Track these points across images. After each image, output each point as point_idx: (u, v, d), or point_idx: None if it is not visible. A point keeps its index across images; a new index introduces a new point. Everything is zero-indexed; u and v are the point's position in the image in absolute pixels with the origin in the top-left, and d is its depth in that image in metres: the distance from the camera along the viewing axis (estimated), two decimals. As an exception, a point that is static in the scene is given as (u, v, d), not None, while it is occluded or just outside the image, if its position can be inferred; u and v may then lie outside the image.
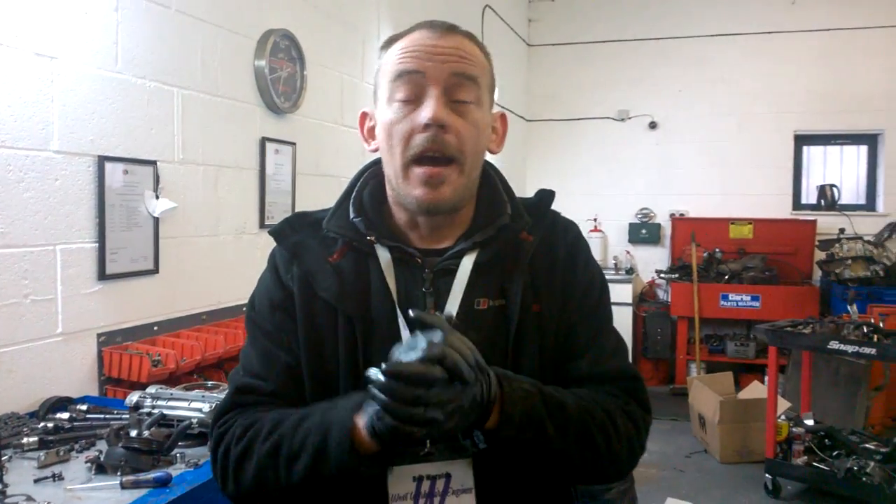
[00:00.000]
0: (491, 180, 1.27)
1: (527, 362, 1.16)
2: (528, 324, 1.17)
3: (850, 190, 7.15)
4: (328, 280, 1.17)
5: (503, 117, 1.30)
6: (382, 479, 1.10)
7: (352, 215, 1.22)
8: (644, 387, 1.27)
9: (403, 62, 1.14)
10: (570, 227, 1.29)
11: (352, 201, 1.24)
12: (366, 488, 1.09)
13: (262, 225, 3.25)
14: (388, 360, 0.95)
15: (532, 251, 1.20)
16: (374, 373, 0.94)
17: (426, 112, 1.11)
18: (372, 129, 1.24)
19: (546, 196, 1.30)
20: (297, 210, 3.43)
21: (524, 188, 7.70)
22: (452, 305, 1.15)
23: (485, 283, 1.18)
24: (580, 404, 1.12)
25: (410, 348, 0.95)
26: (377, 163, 1.27)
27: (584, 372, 1.20)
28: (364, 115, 1.27)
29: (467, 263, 1.18)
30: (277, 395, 1.18)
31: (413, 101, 1.13)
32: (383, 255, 1.19)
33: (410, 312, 0.99)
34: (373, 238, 1.19)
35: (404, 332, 1.14)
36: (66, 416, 2.03)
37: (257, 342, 1.23)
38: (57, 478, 1.69)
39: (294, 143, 3.46)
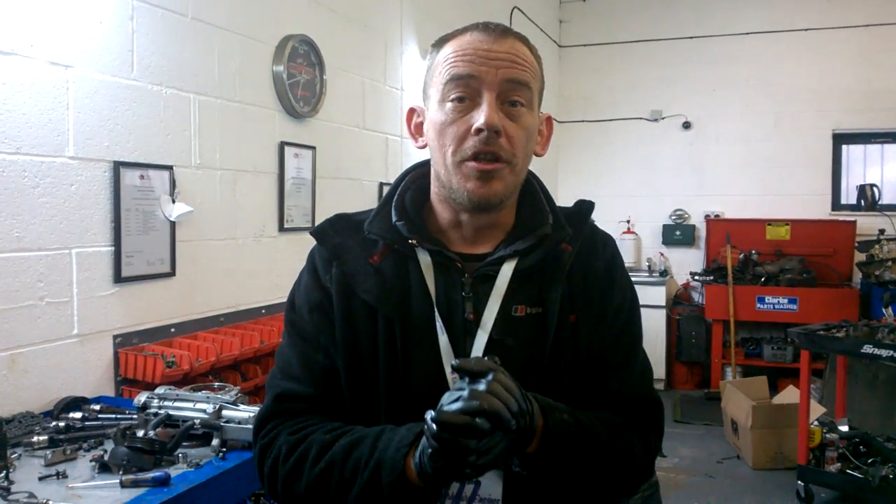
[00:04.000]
0: (532, 188, 1.29)
1: (564, 371, 1.18)
2: (566, 333, 1.19)
3: (891, 189, 6.94)
4: (369, 281, 1.19)
5: (549, 120, 1.31)
6: None
7: (394, 218, 1.23)
8: (663, 413, 1.32)
9: (457, 66, 1.15)
10: (609, 241, 1.32)
11: (394, 204, 1.25)
12: None
13: (280, 228, 3.29)
14: (437, 408, 0.96)
15: (571, 261, 1.22)
16: (429, 418, 0.95)
17: (481, 117, 1.12)
18: (420, 126, 1.25)
19: (586, 207, 1.31)
20: (316, 213, 3.48)
21: (556, 190, 7.66)
22: (491, 311, 1.17)
23: (523, 290, 1.20)
24: (610, 437, 1.15)
25: (455, 398, 0.95)
26: (419, 166, 1.31)
27: (612, 393, 1.22)
28: (412, 112, 1.28)
29: (507, 270, 1.20)
30: (317, 399, 1.20)
31: (467, 103, 1.15)
32: (424, 259, 1.21)
33: (454, 363, 1.00)
34: (414, 241, 1.21)
35: (442, 337, 1.16)
36: (78, 415, 2.08)
37: (296, 345, 1.24)
38: (61, 476, 1.73)
39: (314, 147, 3.49)
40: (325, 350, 1.20)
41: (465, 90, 1.14)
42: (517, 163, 1.17)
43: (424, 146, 1.24)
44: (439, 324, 1.16)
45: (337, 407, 1.19)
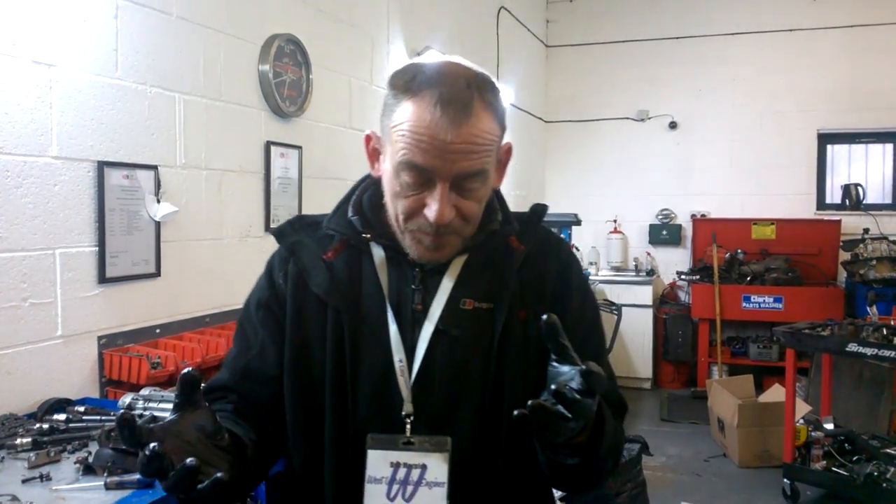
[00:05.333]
0: None
1: (511, 366, 1.20)
2: (514, 329, 1.21)
3: (876, 189, 7.00)
4: (320, 276, 1.23)
5: (508, 151, 1.26)
6: (361, 460, 1.16)
7: (350, 214, 1.28)
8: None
9: (412, 152, 1.11)
10: (563, 246, 1.35)
11: (351, 202, 1.30)
12: (343, 468, 1.18)
13: (267, 228, 3.27)
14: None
15: (522, 259, 1.25)
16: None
17: (431, 213, 1.13)
18: (375, 153, 1.24)
19: (539, 210, 1.34)
20: (304, 213, 3.47)
21: (543, 190, 7.68)
22: (438, 303, 1.21)
23: (473, 284, 1.23)
24: (616, 431, 1.21)
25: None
26: None
27: None
28: (368, 139, 1.26)
29: (456, 265, 1.24)
30: (230, 386, 1.27)
31: (419, 185, 1.14)
32: (377, 253, 1.25)
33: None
34: (368, 235, 1.25)
35: (392, 327, 1.20)
36: (62, 417, 2.06)
37: (237, 340, 1.33)
38: (45, 478, 1.72)
39: (300, 147, 3.48)
40: (259, 346, 1.27)
41: (417, 178, 1.13)
42: (467, 230, 1.20)
43: (380, 177, 1.23)
44: (390, 315, 1.21)
45: (249, 393, 1.25)
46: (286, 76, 3.32)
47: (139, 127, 2.58)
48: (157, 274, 2.66)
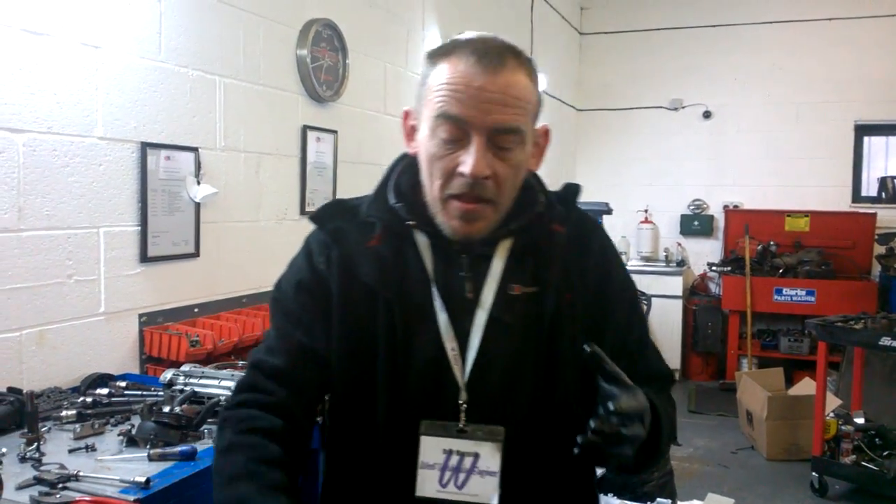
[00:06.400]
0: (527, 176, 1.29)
1: (563, 348, 1.20)
2: (563, 311, 1.21)
3: (914, 182, 6.88)
4: (368, 264, 1.21)
5: (546, 134, 1.28)
6: (414, 446, 1.17)
7: (392, 201, 1.25)
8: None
9: (448, 103, 1.13)
10: (598, 225, 1.36)
11: (390, 187, 1.27)
12: (397, 453, 1.18)
13: (302, 211, 3.31)
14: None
15: (564, 242, 1.24)
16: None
17: (468, 164, 1.12)
18: (412, 130, 1.24)
19: (573, 190, 1.33)
20: (338, 197, 3.50)
21: (573, 179, 7.60)
22: (489, 290, 1.20)
23: (518, 270, 1.22)
24: (668, 416, 1.25)
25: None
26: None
27: (640, 373, 1.22)
28: (406, 114, 1.27)
29: (502, 250, 1.23)
30: (287, 372, 1.24)
31: (455, 141, 1.14)
32: (421, 240, 1.23)
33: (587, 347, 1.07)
34: (412, 223, 1.23)
35: (441, 315, 1.19)
36: (105, 391, 2.12)
37: (275, 320, 1.30)
38: (90, 449, 1.77)
39: (336, 132, 3.51)
40: (305, 327, 1.25)
41: (454, 131, 1.13)
42: (502, 202, 1.18)
43: (416, 153, 1.23)
44: (438, 302, 1.19)
45: (305, 381, 1.24)
46: (323, 61, 3.35)
47: (181, 109, 2.63)
48: (196, 254, 2.72)
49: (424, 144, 1.18)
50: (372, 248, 1.22)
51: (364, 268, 1.21)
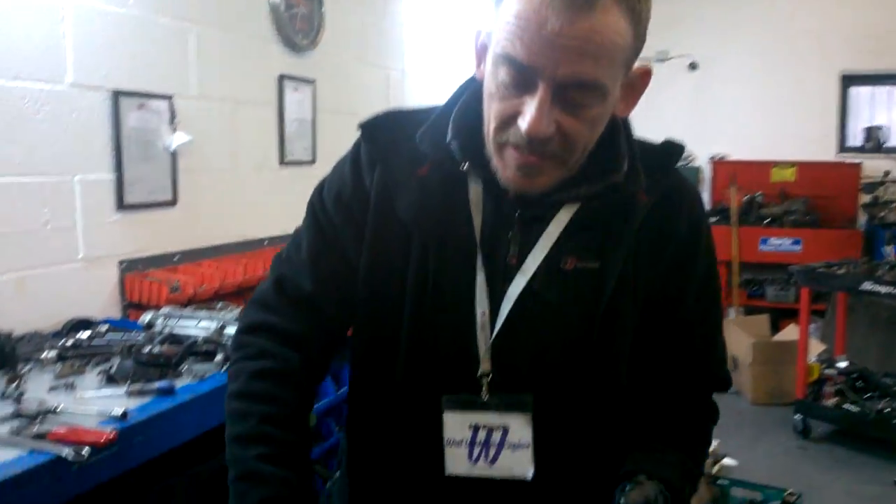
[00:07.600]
0: (614, 123, 1.07)
1: (619, 337, 1.07)
2: (625, 295, 1.05)
3: (899, 131, 6.88)
4: (410, 196, 1.05)
5: (646, 75, 1.07)
6: (438, 423, 1.07)
7: (450, 136, 1.05)
8: None
9: (512, 43, 0.91)
10: (697, 199, 1.14)
11: (452, 119, 1.06)
12: (421, 431, 1.08)
13: (281, 161, 3.31)
14: None
15: (644, 214, 1.05)
16: None
17: (525, 121, 0.92)
18: (484, 51, 1.00)
19: (675, 150, 1.10)
20: (317, 148, 3.50)
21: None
22: (535, 258, 1.04)
23: (579, 239, 1.04)
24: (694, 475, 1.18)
25: None
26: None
27: (696, 377, 1.17)
28: (477, 35, 1.04)
29: (564, 216, 1.04)
30: (313, 297, 1.11)
31: (518, 86, 0.93)
32: (475, 187, 1.06)
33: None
34: (466, 167, 1.05)
35: (479, 275, 1.04)
36: (86, 334, 2.14)
37: (311, 235, 1.14)
38: (70, 387, 1.80)
39: (314, 81, 3.49)
40: (339, 253, 1.10)
41: (516, 77, 0.93)
42: (571, 157, 0.98)
43: (482, 81, 1.02)
44: (479, 261, 1.04)
45: (329, 317, 1.12)
46: (298, 9, 3.32)
47: (152, 57, 2.61)
48: (174, 203, 2.72)
49: (487, 77, 0.98)
50: (418, 179, 1.06)
51: (403, 200, 1.05)
